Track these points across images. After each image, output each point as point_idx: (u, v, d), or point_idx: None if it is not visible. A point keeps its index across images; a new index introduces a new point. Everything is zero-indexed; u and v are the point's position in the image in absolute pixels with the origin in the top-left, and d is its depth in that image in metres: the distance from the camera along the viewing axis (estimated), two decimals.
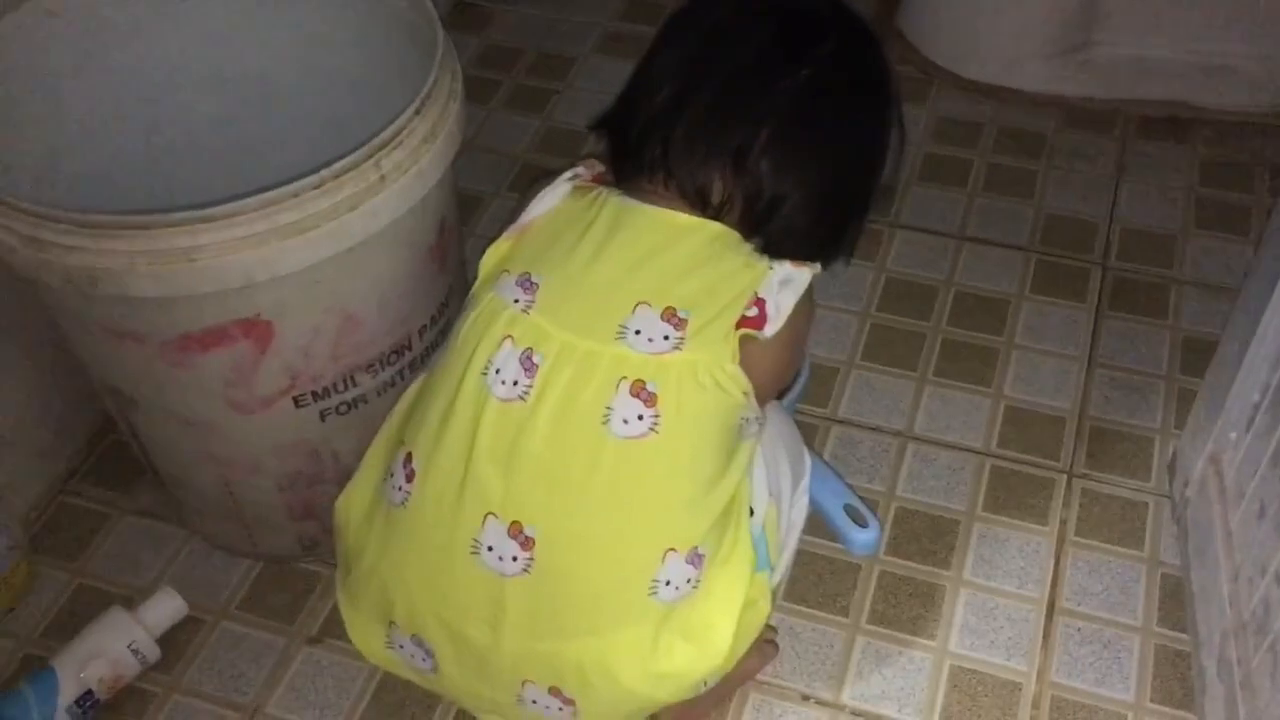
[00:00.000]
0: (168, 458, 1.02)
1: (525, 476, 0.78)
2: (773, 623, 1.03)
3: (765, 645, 1.00)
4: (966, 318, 1.29)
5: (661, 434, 0.78)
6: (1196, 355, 1.22)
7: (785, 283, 0.81)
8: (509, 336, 0.80)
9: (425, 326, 0.98)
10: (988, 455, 1.16)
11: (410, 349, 0.98)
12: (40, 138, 0.98)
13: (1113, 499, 1.12)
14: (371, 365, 0.96)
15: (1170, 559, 1.07)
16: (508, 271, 0.83)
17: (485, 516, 0.79)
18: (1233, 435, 0.94)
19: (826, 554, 1.08)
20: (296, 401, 0.94)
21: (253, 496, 1.02)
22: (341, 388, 0.95)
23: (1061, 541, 1.09)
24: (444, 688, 0.89)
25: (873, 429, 1.19)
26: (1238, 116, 1.49)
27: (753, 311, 0.80)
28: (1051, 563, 1.08)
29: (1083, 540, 1.09)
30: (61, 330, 0.96)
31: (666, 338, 0.78)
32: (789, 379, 1.04)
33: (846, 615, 1.05)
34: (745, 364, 0.80)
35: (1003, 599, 1.05)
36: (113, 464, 1.17)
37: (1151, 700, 0.98)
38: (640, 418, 0.78)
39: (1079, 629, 1.03)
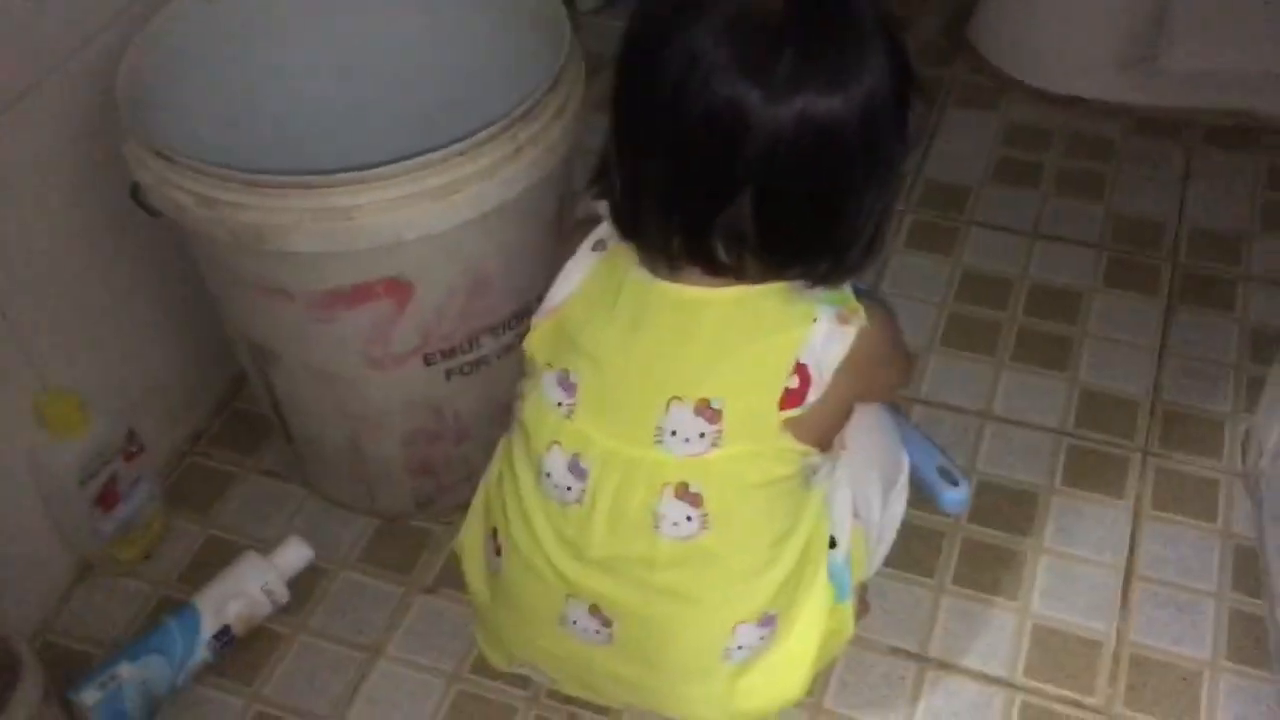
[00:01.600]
0: (301, 412, 1.09)
1: (593, 570, 0.84)
2: (865, 582, 1.09)
3: (858, 603, 1.06)
4: (1041, 308, 1.35)
5: (713, 530, 0.80)
6: (1265, 345, 1.27)
7: (829, 339, 0.78)
8: (556, 442, 0.83)
9: (543, 294, 1.05)
10: (1064, 434, 1.22)
11: (530, 314, 1.04)
12: (186, 121, 1.06)
13: (1186, 476, 1.17)
14: (495, 328, 1.03)
15: (1243, 531, 1.12)
16: (549, 365, 0.84)
17: (566, 597, 0.86)
18: None
19: (912, 521, 1.12)
20: (426, 360, 1.02)
21: (377, 452, 1.09)
22: (467, 348, 1.03)
23: (1138, 514, 1.14)
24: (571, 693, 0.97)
25: (954, 409, 1.25)
26: None
27: (794, 383, 0.77)
28: (1128, 533, 1.13)
29: (1158, 513, 1.14)
30: (211, 289, 1.04)
31: (703, 435, 0.78)
32: (895, 388, 0.98)
33: (932, 576, 1.10)
34: (805, 427, 0.79)
35: (1082, 565, 1.11)
36: (238, 428, 1.25)
37: (1228, 658, 1.03)
38: (689, 519, 0.80)
39: (1156, 593, 1.08)
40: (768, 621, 0.85)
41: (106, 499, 1.08)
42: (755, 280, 0.78)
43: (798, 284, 0.79)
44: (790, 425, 0.79)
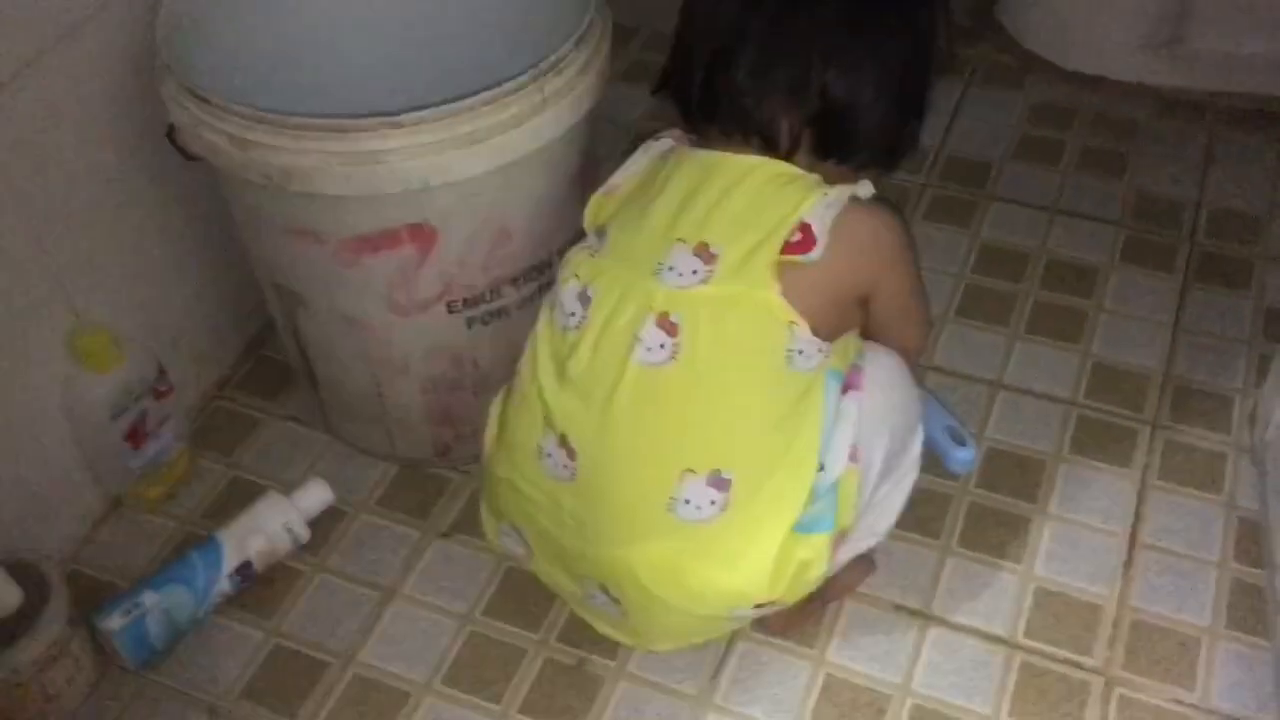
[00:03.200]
0: (326, 356, 1.12)
1: (568, 394, 0.89)
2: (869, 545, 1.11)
3: (863, 561, 1.07)
4: (1057, 282, 1.36)
5: (680, 362, 0.86)
6: (1278, 323, 1.29)
7: (831, 205, 0.86)
8: (575, 275, 0.91)
9: (563, 248, 1.07)
10: (1074, 405, 1.23)
11: (550, 266, 1.07)
12: (223, 65, 1.08)
13: (1194, 449, 1.19)
14: (516, 279, 1.06)
15: (1247, 504, 1.13)
16: (596, 223, 0.94)
17: (544, 426, 0.90)
18: None
19: (920, 484, 1.14)
20: (449, 307, 1.04)
21: (398, 398, 1.12)
22: (489, 298, 1.05)
23: (1144, 484, 1.16)
24: (542, 577, 1.00)
25: (965, 377, 1.26)
26: None
27: (796, 237, 0.85)
28: (1134, 502, 1.14)
29: (1164, 484, 1.16)
30: (243, 232, 1.07)
31: (695, 272, 0.86)
32: (911, 328, 0.97)
33: (938, 538, 1.12)
34: (799, 285, 0.85)
35: (1086, 531, 1.12)
36: (264, 375, 1.29)
37: (1227, 626, 1.05)
38: (662, 346, 0.86)
39: (1158, 561, 1.10)
40: (719, 483, 0.86)
41: (136, 435, 1.11)
42: (800, 163, 0.89)
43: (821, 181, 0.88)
44: (784, 273, 0.85)
